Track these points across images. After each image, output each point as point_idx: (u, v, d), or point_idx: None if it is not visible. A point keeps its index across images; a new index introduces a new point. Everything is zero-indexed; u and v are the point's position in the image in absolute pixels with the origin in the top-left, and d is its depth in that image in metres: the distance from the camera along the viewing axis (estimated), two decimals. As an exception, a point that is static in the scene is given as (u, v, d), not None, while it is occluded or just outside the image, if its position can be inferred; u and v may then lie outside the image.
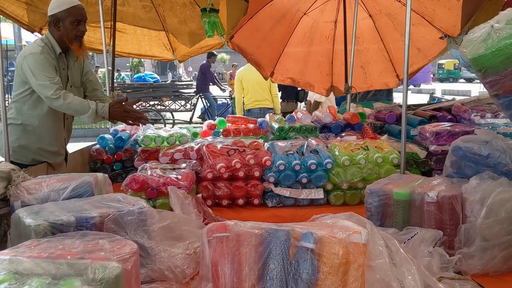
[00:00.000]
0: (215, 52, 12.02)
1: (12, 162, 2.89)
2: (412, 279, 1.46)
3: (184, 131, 3.60)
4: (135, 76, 15.62)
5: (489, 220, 1.89)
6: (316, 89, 5.79)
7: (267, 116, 4.01)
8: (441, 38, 4.54)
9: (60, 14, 2.82)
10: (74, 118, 3.26)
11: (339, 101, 6.44)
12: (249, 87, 6.36)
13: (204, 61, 12.71)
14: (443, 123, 3.31)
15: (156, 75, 17.19)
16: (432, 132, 3.10)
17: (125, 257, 1.33)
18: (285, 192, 2.89)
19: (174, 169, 2.87)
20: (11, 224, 1.82)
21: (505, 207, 1.90)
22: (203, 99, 12.94)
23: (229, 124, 3.91)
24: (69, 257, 1.28)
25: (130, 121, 2.93)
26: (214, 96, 13.30)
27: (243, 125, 3.87)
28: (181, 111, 13.80)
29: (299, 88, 6.89)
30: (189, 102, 13.99)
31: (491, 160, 2.21)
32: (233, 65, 17.44)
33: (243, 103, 6.91)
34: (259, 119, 3.89)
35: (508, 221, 1.91)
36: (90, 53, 17.96)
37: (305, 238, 1.39)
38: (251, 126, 3.81)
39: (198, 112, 13.56)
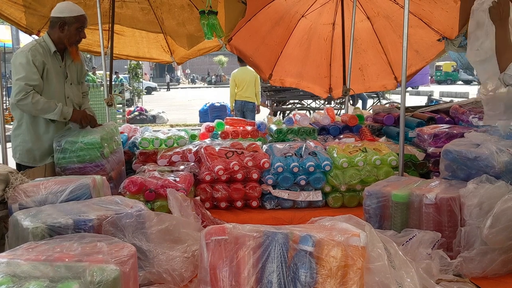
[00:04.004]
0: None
1: (19, 165, 2.96)
2: (411, 281, 1.46)
3: (182, 133, 3.60)
4: None
5: (494, 230, 1.89)
6: (315, 91, 5.79)
7: (266, 118, 4.01)
8: (439, 40, 4.55)
9: (69, 19, 2.93)
10: None
11: None
12: (239, 84, 8.09)
13: None
14: (441, 125, 3.32)
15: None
16: (430, 134, 3.10)
17: (123, 260, 1.33)
18: (283, 194, 2.89)
19: (172, 171, 2.86)
20: (9, 227, 1.82)
21: (508, 214, 1.90)
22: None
23: (228, 126, 3.91)
24: (67, 259, 1.28)
25: (83, 124, 3.04)
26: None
27: (241, 127, 3.87)
28: (322, 109, 13.99)
29: None
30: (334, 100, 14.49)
31: (479, 163, 2.21)
32: None
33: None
34: (257, 121, 3.89)
35: (511, 228, 1.91)
36: (88, 55, 17.95)
37: (303, 241, 1.39)
38: (249, 128, 3.81)
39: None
